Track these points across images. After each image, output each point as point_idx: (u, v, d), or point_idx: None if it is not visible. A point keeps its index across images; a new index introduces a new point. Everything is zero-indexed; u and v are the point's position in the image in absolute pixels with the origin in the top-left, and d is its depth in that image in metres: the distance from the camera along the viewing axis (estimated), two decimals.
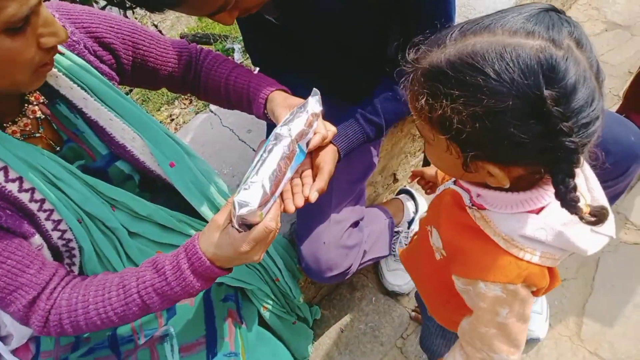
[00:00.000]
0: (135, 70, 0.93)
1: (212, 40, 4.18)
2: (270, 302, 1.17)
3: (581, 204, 0.54)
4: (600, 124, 0.53)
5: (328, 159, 0.87)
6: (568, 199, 0.52)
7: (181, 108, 2.94)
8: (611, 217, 0.63)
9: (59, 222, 0.79)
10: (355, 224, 1.22)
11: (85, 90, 0.79)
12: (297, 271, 1.23)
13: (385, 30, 1.01)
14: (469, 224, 0.67)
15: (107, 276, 0.79)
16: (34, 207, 0.75)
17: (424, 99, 0.56)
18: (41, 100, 0.78)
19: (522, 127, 0.50)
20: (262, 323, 1.16)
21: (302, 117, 0.78)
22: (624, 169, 1.04)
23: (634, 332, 1.38)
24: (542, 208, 0.62)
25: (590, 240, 0.63)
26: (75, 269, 0.87)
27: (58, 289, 0.77)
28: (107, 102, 0.82)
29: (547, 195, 0.61)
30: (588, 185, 0.66)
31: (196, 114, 2.69)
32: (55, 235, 0.80)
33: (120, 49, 0.87)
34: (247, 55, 3.29)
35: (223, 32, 4.65)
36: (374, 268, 1.63)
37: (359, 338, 1.53)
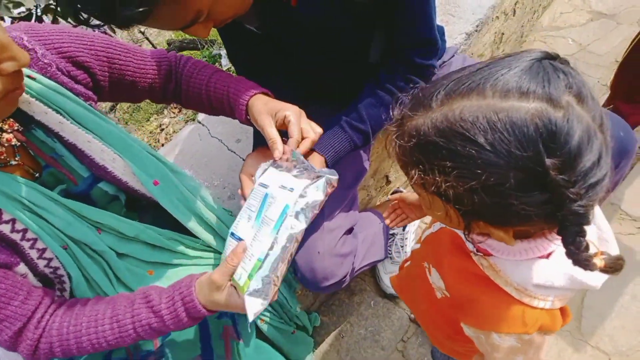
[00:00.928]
0: (114, 86, 0.91)
1: (199, 46, 4.15)
2: (268, 314, 1.16)
3: (595, 260, 0.49)
4: (608, 178, 0.48)
5: None
6: (581, 259, 0.48)
7: (170, 117, 2.92)
8: (613, 238, 0.62)
9: (43, 250, 0.77)
10: (349, 231, 1.21)
11: (61, 114, 0.77)
12: (294, 280, 1.22)
13: (368, 36, 0.99)
14: (476, 272, 0.64)
15: (98, 307, 0.79)
16: (16, 237, 0.74)
17: (415, 171, 0.52)
18: (15, 127, 0.76)
19: (525, 198, 0.46)
20: (261, 335, 1.15)
21: (313, 194, 0.73)
22: (614, 165, 1.03)
23: (633, 324, 1.38)
24: (552, 252, 0.59)
25: (599, 274, 0.60)
26: (67, 294, 0.86)
27: (46, 317, 0.77)
28: (85, 124, 0.80)
29: (556, 240, 0.58)
30: (601, 235, 0.63)
31: (186, 122, 2.67)
32: (41, 263, 0.78)
33: (95, 66, 0.85)
34: None
35: (210, 37, 4.61)
36: (371, 272, 1.62)
37: (360, 343, 1.52)
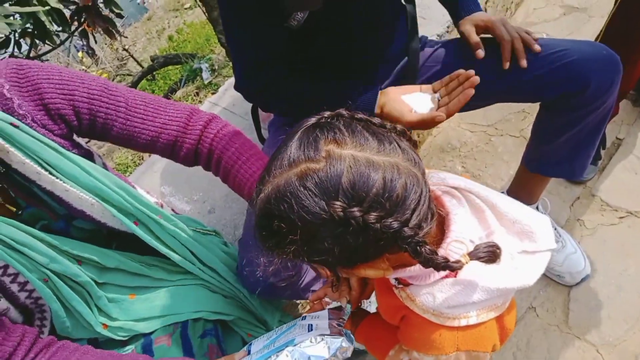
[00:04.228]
0: (100, 137, 0.88)
1: (182, 61, 4.17)
2: (254, 328, 1.16)
3: (459, 256, 0.54)
4: (415, 184, 0.51)
5: None
6: (434, 265, 0.52)
7: None
8: (546, 226, 0.62)
9: (25, 283, 0.78)
10: None
11: (40, 164, 0.76)
12: (272, 305, 1.20)
13: None
14: (399, 304, 0.67)
15: None
16: None
17: (266, 250, 0.57)
18: None
19: (339, 239, 0.51)
20: None
21: (319, 348, 0.72)
22: (608, 83, 1.05)
23: (620, 314, 1.39)
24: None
25: (528, 266, 0.60)
26: (47, 323, 0.86)
27: None
28: (63, 173, 0.79)
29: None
30: (489, 203, 0.64)
31: None
32: (22, 295, 0.79)
33: (74, 119, 0.82)
34: (216, 74, 3.29)
35: (192, 51, 4.63)
36: None
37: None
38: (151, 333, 0.96)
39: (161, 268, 0.96)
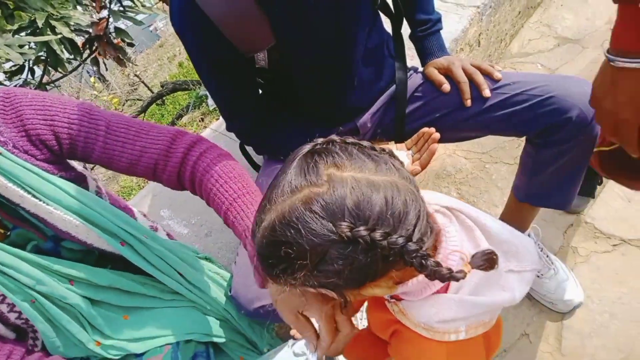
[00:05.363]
0: (81, 159, 0.91)
1: (190, 87, 4.28)
2: (246, 351, 1.17)
3: (460, 266, 0.55)
4: (413, 200, 0.53)
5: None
6: (440, 276, 0.53)
7: None
8: (530, 248, 0.65)
9: (13, 305, 0.80)
10: None
11: (22, 188, 0.79)
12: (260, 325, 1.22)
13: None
14: (391, 319, 0.69)
15: None
16: None
17: (272, 279, 0.59)
18: None
19: (348, 259, 0.52)
20: None
21: None
22: (590, 117, 1.06)
23: (614, 342, 1.38)
24: (449, 284, 0.63)
25: (515, 284, 0.63)
26: (39, 343, 0.88)
27: None
28: (46, 196, 0.81)
29: None
30: (478, 223, 0.66)
31: None
32: (12, 316, 0.81)
33: (55, 144, 0.84)
34: None
35: (199, 79, 4.75)
36: None
37: None
38: (143, 354, 0.98)
39: (153, 286, 0.98)
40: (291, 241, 0.52)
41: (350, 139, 0.58)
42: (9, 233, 0.84)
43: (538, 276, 1.45)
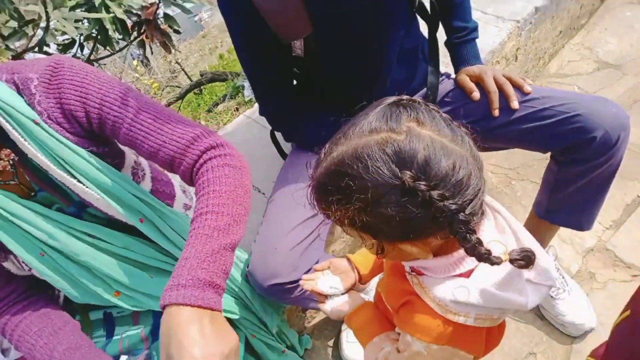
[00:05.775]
0: (111, 137, 0.93)
1: (228, 78, 4.39)
2: (258, 330, 1.21)
3: (499, 253, 0.57)
4: (477, 178, 0.56)
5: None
6: (478, 254, 0.56)
7: None
8: (549, 264, 0.66)
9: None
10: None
11: (52, 157, 0.83)
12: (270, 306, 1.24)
13: None
14: (408, 290, 0.71)
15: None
16: None
17: (321, 207, 0.63)
18: (12, 157, 0.86)
19: (402, 207, 0.55)
20: (251, 351, 1.20)
21: None
22: (614, 139, 1.07)
23: None
24: (472, 270, 0.65)
25: (530, 293, 0.64)
26: (61, 293, 0.97)
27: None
28: (72, 169, 0.85)
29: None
30: (512, 228, 0.68)
31: None
32: (26, 268, 0.90)
33: (85, 121, 0.87)
34: None
35: (239, 70, 4.87)
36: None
37: None
38: (160, 315, 1.03)
39: (170, 259, 1.02)
40: (356, 175, 0.55)
41: (432, 105, 0.61)
42: (33, 194, 0.90)
43: (552, 296, 1.45)
